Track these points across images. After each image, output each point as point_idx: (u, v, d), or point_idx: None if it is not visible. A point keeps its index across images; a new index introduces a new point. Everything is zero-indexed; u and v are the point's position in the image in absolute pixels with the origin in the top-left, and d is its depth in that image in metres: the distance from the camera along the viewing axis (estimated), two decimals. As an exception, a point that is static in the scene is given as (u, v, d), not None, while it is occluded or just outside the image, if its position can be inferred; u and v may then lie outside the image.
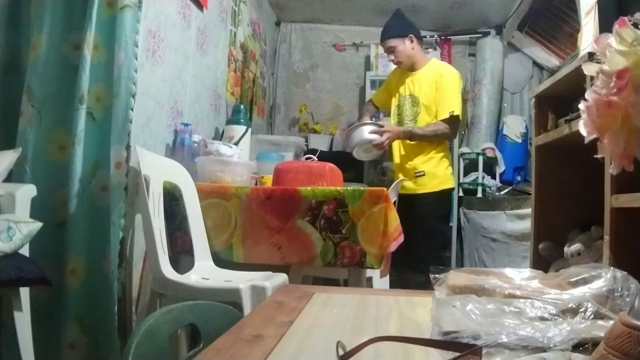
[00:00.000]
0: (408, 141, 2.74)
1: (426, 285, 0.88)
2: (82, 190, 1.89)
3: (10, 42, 2.06)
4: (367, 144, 2.70)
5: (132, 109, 1.88)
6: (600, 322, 0.66)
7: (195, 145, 2.46)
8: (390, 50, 2.83)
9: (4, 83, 2.06)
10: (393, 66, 3.01)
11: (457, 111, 2.65)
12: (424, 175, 2.71)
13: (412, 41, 2.80)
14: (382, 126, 2.71)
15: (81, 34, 1.91)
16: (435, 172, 2.71)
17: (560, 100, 1.80)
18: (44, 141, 1.92)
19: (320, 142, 4.32)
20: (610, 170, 1.06)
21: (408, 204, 2.67)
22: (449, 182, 2.77)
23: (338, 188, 2.11)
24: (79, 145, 1.89)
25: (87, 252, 1.86)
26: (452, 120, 2.66)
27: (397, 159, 2.85)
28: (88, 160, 1.89)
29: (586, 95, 1.02)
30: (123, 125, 1.87)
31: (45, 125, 1.93)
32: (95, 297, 1.87)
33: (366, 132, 2.71)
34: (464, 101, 4.43)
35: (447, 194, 2.80)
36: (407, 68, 2.87)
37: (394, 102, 2.91)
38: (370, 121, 2.89)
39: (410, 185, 2.74)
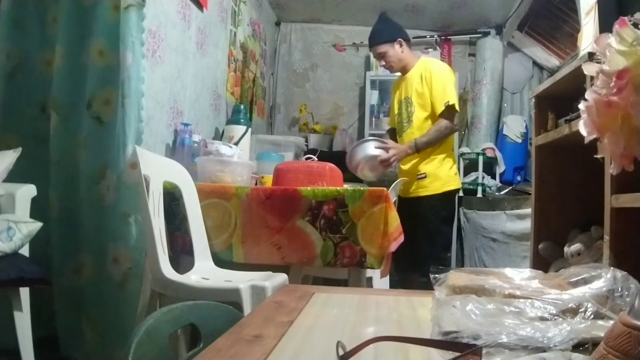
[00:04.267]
0: (416, 153, 2.66)
1: (428, 287, 0.87)
2: (90, 191, 1.92)
3: (16, 45, 2.10)
4: (372, 161, 2.62)
5: (142, 109, 1.91)
6: (600, 322, 0.66)
7: (195, 145, 2.46)
8: (380, 56, 2.80)
9: (12, 85, 2.10)
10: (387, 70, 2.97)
11: (452, 100, 2.60)
12: (425, 177, 2.69)
13: (401, 45, 2.78)
14: (385, 143, 2.66)
15: (93, 39, 1.96)
16: (437, 174, 2.68)
17: (560, 100, 1.80)
18: (70, 146, 2.02)
19: (320, 142, 4.32)
20: (610, 170, 1.06)
21: (411, 207, 2.65)
22: (453, 183, 2.72)
23: (338, 188, 2.11)
24: (85, 149, 1.93)
25: (97, 251, 1.92)
26: (450, 112, 2.62)
27: (400, 162, 2.83)
28: (96, 162, 1.93)
29: (586, 95, 1.02)
30: (136, 126, 1.89)
31: (69, 131, 2.02)
32: (107, 295, 1.90)
33: (371, 147, 2.63)
34: (464, 101, 4.43)
35: (451, 195, 2.74)
36: (399, 71, 2.86)
37: (396, 110, 2.89)
38: (372, 138, 2.78)
39: (412, 188, 2.72)
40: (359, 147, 2.69)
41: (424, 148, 2.64)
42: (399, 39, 2.78)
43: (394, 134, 2.96)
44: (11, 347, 1.63)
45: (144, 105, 1.94)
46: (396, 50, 2.77)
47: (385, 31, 2.81)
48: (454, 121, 2.66)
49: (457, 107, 2.64)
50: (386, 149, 2.62)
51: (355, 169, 2.69)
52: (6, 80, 2.10)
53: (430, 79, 2.66)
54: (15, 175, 1.79)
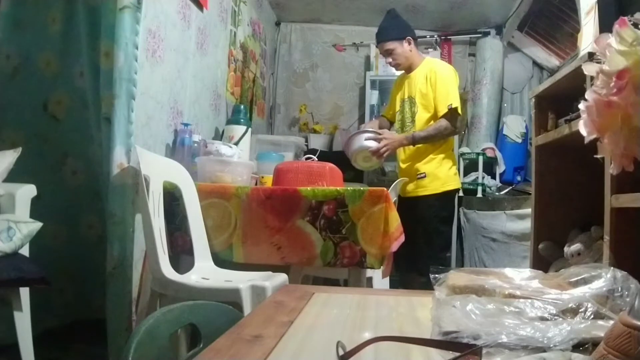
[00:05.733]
0: (412, 147, 2.67)
1: (428, 287, 0.87)
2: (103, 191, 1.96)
3: (17, 45, 2.12)
4: (364, 152, 2.63)
5: (132, 111, 1.90)
6: (600, 322, 0.66)
7: (195, 145, 2.46)
8: (387, 53, 2.78)
9: (14, 85, 2.12)
10: (393, 67, 2.97)
11: (455, 103, 2.60)
12: (425, 177, 2.69)
13: (409, 43, 2.77)
14: (380, 134, 2.66)
15: (100, 41, 1.99)
16: (437, 174, 2.68)
17: (560, 100, 1.80)
18: (86, 145, 2.15)
19: (320, 142, 4.32)
20: (610, 170, 1.06)
21: (410, 206, 2.65)
22: (452, 183, 2.72)
23: (338, 188, 2.11)
24: (100, 148, 1.95)
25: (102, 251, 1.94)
26: (452, 114, 2.61)
27: (399, 161, 2.84)
28: (108, 163, 1.95)
29: (586, 95, 1.02)
30: (125, 127, 1.89)
31: (82, 131, 2.12)
32: (100, 293, 1.92)
33: (363, 139, 2.64)
34: (464, 101, 4.43)
35: (450, 195, 2.74)
36: (404, 70, 2.85)
37: (397, 108, 2.89)
38: (369, 129, 2.80)
39: (412, 188, 2.72)
40: (352, 139, 2.70)
41: (420, 143, 2.65)
42: (408, 37, 2.77)
43: (386, 123, 2.97)
44: (10, 342, 1.64)
45: (134, 106, 1.93)
46: (404, 48, 2.77)
47: (394, 28, 2.80)
48: (455, 124, 2.66)
49: (459, 111, 2.64)
50: (378, 140, 2.62)
51: (350, 159, 2.72)
52: (8, 80, 2.11)
53: (435, 81, 2.66)
54: (18, 174, 1.79)
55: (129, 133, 1.91)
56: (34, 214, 1.72)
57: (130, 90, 1.90)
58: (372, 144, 2.62)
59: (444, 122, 2.62)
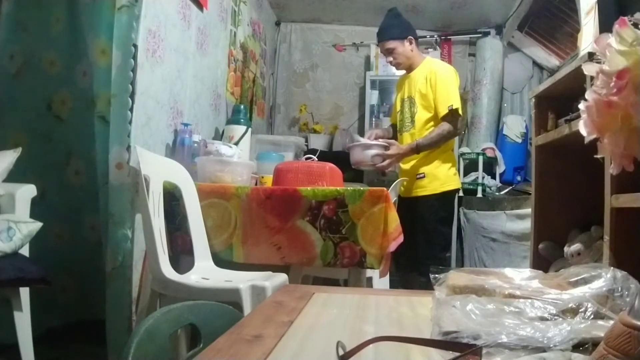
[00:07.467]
0: (417, 154, 2.65)
1: (428, 287, 0.87)
2: (101, 191, 1.96)
3: (20, 46, 2.12)
4: (370, 165, 2.66)
5: (130, 110, 1.90)
6: (600, 322, 0.66)
7: (195, 145, 2.46)
8: (388, 52, 2.78)
9: (17, 85, 2.12)
10: (393, 67, 2.97)
11: (456, 104, 2.60)
12: (424, 177, 2.68)
13: (411, 43, 2.76)
14: (387, 148, 2.62)
15: (96, 38, 1.99)
16: (436, 174, 2.68)
17: (560, 100, 1.80)
18: (82, 144, 2.16)
19: (320, 142, 4.32)
20: (610, 170, 1.06)
21: (410, 207, 2.65)
22: (452, 184, 2.72)
23: (338, 188, 2.11)
24: (95, 149, 1.96)
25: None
26: (453, 115, 2.61)
27: (400, 162, 2.83)
28: (105, 162, 1.95)
29: (586, 95, 1.02)
30: (122, 126, 1.89)
31: (79, 130, 2.14)
32: (101, 293, 1.92)
33: (369, 155, 2.63)
34: (464, 101, 4.43)
35: (450, 195, 2.74)
36: (405, 69, 2.85)
37: (397, 108, 2.88)
38: (375, 142, 2.71)
39: (411, 188, 2.72)
40: (357, 149, 2.67)
41: (425, 150, 2.64)
42: (410, 37, 2.77)
43: (395, 131, 2.96)
44: (10, 342, 1.64)
45: (131, 105, 1.93)
46: (406, 48, 2.76)
47: (396, 27, 2.79)
48: (457, 125, 2.65)
49: (460, 112, 2.64)
50: (383, 157, 2.60)
51: (353, 164, 2.71)
52: (11, 81, 2.12)
53: (435, 81, 2.65)
54: (21, 173, 1.80)
55: (127, 132, 1.92)
56: (38, 213, 1.72)
57: (129, 90, 1.90)
58: (377, 160, 2.61)
59: (446, 126, 2.61)
